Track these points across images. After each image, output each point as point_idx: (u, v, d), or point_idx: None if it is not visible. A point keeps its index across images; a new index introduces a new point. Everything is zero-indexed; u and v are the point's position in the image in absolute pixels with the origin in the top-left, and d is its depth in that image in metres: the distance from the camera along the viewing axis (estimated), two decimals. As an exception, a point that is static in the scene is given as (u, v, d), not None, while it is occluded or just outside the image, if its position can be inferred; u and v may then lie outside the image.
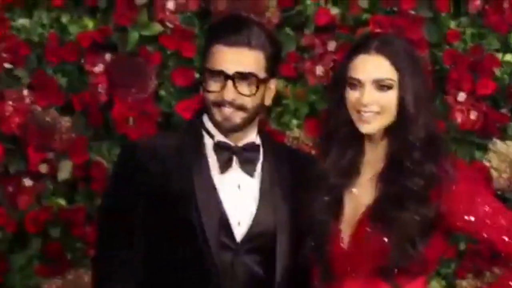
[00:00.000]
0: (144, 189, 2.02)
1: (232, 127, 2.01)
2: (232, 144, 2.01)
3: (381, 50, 1.91)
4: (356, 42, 2.13)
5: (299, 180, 2.05)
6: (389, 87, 1.90)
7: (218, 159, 2.01)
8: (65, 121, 2.82)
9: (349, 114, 1.92)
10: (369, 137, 1.96)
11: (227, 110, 1.99)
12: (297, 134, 2.89)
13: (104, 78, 2.85)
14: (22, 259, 2.90)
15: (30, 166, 2.87)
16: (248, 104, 1.99)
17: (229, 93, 1.96)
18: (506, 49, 2.91)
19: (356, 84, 1.90)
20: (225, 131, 2.02)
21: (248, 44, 1.99)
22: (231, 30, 2.03)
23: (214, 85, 1.98)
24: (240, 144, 2.02)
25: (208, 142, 2.04)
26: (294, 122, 2.94)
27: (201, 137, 2.07)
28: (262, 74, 1.97)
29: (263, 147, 2.07)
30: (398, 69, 1.90)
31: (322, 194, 1.99)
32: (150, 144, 2.19)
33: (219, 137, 2.01)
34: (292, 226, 2.04)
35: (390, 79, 1.89)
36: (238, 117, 2.00)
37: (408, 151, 1.92)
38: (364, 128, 1.91)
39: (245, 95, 1.98)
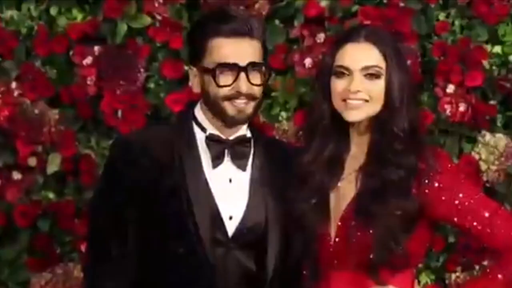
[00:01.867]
0: (136, 185, 2.00)
1: (245, 119, 2.01)
2: (223, 137, 2.06)
3: (370, 38, 1.93)
4: (344, 32, 2.20)
5: (288, 174, 2.04)
6: (377, 76, 1.91)
7: (210, 153, 2.01)
8: (54, 114, 2.79)
9: (333, 106, 1.94)
10: (354, 129, 1.97)
11: (241, 102, 1.99)
12: (286, 127, 2.88)
13: (93, 71, 2.85)
14: (11, 253, 2.89)
15: (19, 159, 2.85)
16: (258, 94, 2.00)
17: (244, 85, 1.97)
18: (494, 41, 2.91)
19: (344, 72, 1.91)
20: (228, 125, 2.01)
21: (250, 34, 2.00)
22: (229, 22, 2.01)
23: (225, 79, 1.97)
24: (232, 137, 2.02)
25: (199, 136, 2.04)
26: (283, 114, 2.94)
27: (192, 130, 2.05)
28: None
29: (253, 140, 2.06)
30: (386, 58, 1.91)
31: (309, 194, 1.99)
32: (140, 138, 2.15)
33: (212, 130, 2.03)
34: (282, 221, 2.04)
35: (379, 67, 1.91)
36: (250, 107, 2.00)
37: (391, 142, 1.93)
38: (351, 116, 1.92)
39: (257, 85, 1.99)
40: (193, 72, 2.05)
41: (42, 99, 2.85)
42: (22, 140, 2.81)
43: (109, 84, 2.94)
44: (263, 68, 1.96)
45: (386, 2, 2.96)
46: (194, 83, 2.05)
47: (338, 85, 1.94)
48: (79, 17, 2.96)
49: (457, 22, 2.99)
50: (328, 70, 1.96)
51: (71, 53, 2.93)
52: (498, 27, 3.00)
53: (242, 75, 1.93)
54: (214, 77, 1.94)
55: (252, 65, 1.94)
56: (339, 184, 1.97)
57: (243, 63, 1.93)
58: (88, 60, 2.90)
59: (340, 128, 1.97)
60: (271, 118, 2.97)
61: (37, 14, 2.93)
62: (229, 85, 1.94)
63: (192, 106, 2.07)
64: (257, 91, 1.97)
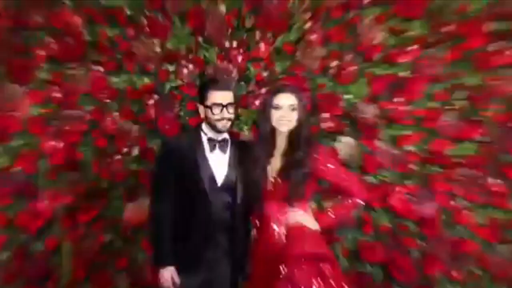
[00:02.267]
0: (173, 163, 3.35)
1: (226, 130, 3.33)
2: (215, 138, 3.35)
3: (291, 91, 3.29)
4: (276, 87, 3.55)
5: (246, 155, 3.41)
6: (294, 109, 3.25)
7: (209, 145, 3.38)
8: (135, 129, 4.43)
9: (271, 124, 3.26)
10: (281, 135, 3.29)
11: (225, 122, 3.33)
12: (247, 133, 4.45)
13: (154, 107, 4.42)
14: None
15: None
16: (232, 117, 3.32)
17: (225, 114, 3.29)
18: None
19: (279, 107, 3.24)
20: (217, 133, 3.31)
21: (228, 89, 3.38)
22: (218, 83, 3.45)
23: (217, 110, 3.29)
24: (219, 138, 3.36)
25: (204, 137, 3.37)
26: (245, 127, 4.49)
27: (200, 134, 3.39)
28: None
29: (230, 139, 3.42)
30: (297, 100, 3.24)
31: (257, 166, 3.34)
32: (175, 140, 3.67)
33: (210, 134, 3.35)
34: (244, 178, 3.40)
35: (295, 105, 3.24)
36: (228, 124, 3.34)
37: (298, 141, 3.29)
38: (283, 129, 3.26)
39: (231, 113, 3.31)
40: (200, 107, 3.40)
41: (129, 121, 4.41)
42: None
43: (162, 113, 4.43)
44: (234, 105, 3.35)
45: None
46: (201, 112, 3.37)
47: (275, 113, 3.26)
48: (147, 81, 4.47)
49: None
50: (269, 106, 3.30)
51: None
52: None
53: (224, 109, 3.29)
54: (211, 110, 3.31)
55: (230, 104, 3.30)
56: (271, 160, 3.34)
57: (225, 103, 3.30)
58: (151, 101, 4.41)
59: (272, 135, 3.32)
60: (240, 129, 4.46)
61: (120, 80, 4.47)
62: (218, 113, 3.29)
63: (200, 124, 3.44)
64: (232, 116, 3.32)
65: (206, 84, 3.55)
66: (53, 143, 4.41)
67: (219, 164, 3.47)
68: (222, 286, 3.52)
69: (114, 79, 4.47)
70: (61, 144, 4.41)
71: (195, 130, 3.54)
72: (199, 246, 3.42)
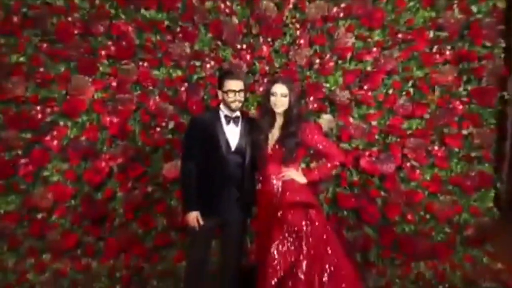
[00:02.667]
0: (198, 133, 3.82)
1: (238, 109, 3.82)
2: (230, 115, 3.83)
3: (283, 82, 3.81)
4: (272, 79, 4.21)
5: (253, 128, 3.86)
6: (286, 96, 3.77)
7: (225, 120, 3.85)
8: (170, 108, 4.93)
9: (270, 106, 3.78)
10: (278, 114, 3.80)
11: (237, 103, 3.80)
12: (253, 112, 4.86)
13: (185, 92, 4.93)
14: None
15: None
16: (242, 100, 3.82)
17: (238, 97, 3.78)
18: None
19: (275, 94, 3.77)
20: (232, 111, 3.77)
21: (239, 78, 3.85)
22: (232, 74, 3.90)
23: (231, 94, 3.76)
24: (233, 115, 3.85)
25: (221, 114, 3.85)
26: (252, 108, 4.97)
27: (218, 112, 3.87)
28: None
29: (241, 115, 3.89)
30: (289, 89, 3.78)
31: (262, 135, 3.82)
32: (200, 116, 4.11)
33: (226, 112, 3.84)
34: (251, 144, 3.87)
35: (286, 93, 3.77)
36: (240, 105, 3.82)
37: (291, 118, 3.78)
38: (277, 110, 3.78)
39: (242, 97, 3.81)
40: (219, 92, 3.85)
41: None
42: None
43: (193, 99, 4.92)
44: (244, 91, 3.82)
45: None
46: (219, 96, 3.84)
47: (272, 99, 3.76)
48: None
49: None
50: (268, 93, 3.81)
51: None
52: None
53: (237, 94, 3.78)
54: (227, 94, 3.78)
55: (241, 90, 3.79)
56: (272, 131, 3.82)
57: (237, 89, 3.79)
58: (183, 88, 4.89)
59: (273, 114, 3.80)
60: (248, 109, 4.93)
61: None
62: (232, 97, 3.78)
63: (218, 105, 3.91)
64: (242, 99, 3.82)
65: (223, 75, 3.94)
66: (110, 119, 5.06)
67: (233, 134, 3.88)
68: (234, 225, 3.95)
69: (156, 72, 5.05)
70: (116, 120, 5.04)
71: (215, 109, 3.97)
72: (218, 196, 3.84)
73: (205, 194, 3.77)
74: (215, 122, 3.83)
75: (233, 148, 3.83)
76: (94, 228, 5.01)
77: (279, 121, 3.84)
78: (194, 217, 3.77)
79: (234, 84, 3.79)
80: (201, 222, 3.78)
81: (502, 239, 5.46)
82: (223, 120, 3.85)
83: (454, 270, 5.02)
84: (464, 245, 5.21)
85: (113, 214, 5.02)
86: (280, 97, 3.74)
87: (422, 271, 4.99)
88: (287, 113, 3.79)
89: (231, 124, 3.85)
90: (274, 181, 3.80)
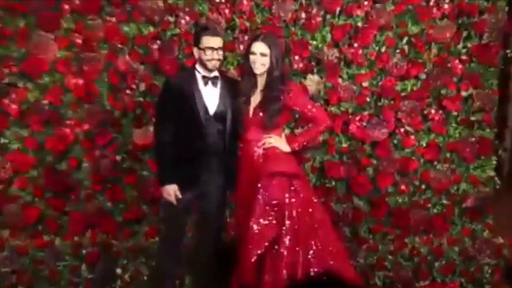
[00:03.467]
0: (173, 96, 3.68)
1: (215, 68, 3.71)
2: (208, 75, 3.74)
3: (263, 40, 3.67)
4: (252, 36, 3.91)
5: (233, 89, 3.79)
6: (266, 55, 3.66)
7: (203, 81, 3.74)
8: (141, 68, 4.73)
9: (250, 65, 3.69)
10: (259, 75, 3.72)
11: (214, 62, 3.71)
12: (233, 72, 4.71)
13: (157, 51, 4.69)
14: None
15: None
16: (221, 58, 3.72)
17: (215, 55, 3.67)
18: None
19: (254, 53, 3.66)
20: (209, 71, 3.67)
21: (218, 35, 3.73)
22: (210, 30, 3.75)
23: (208, 52, 3.66)
24: (211, 75, 3.75)
25: (198, 75, 3.74)
26: (231, 67, 4.80)
27: (195, 73, 3.77)
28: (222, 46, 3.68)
29: (219, 75, 3.81)
30: (269, 48, 3.65)
31: (242, 98, 3.74)
32: (175, 77, 4.01)
33: (203, 73, 3.74)
34: (232, 108, 3.77)
35: (266, 52, 3.65)
36: (217, 64, 3.72)
37: (273, 80, 3.69)
38: (257, 71, 3.70)
39: (220, 55, 3.70)
40: (195, 49, 3.73)
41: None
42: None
43: (164, 55, 4.69)
44: (222, 49, 3.72)
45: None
46: (195, 54, 3.71)
47: (251, 58, 3.67)
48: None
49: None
50: (247, 52, 3.70)
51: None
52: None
53: (214, 51, 3.67)
54: (204, 52, 3.67)
55: (219, 47, 3.68)
56: (253, 95, 3.76)
57: (216, 46, 3.68)
58: (155, 46, 4.66)
59: (254, 75, 3.72)
60: (227, 68, 4.74)
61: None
62: (209, 55, 3.67)
63: (194, 64, 3.78)
64: (220, 57, 3.72)
65: (199, 31, 3.83)
66: (75, 80, 4.82)
67: (211, 96, 3.78)
68: (214, 198, 3.87)
69: (125, 28, 4.83)
70: (82, 81, 4.82)
71: (191, 69, 3.83)
72: (196, 167, 3.73)
73: (182, 164, 3.68)
74: (191, 83, 3.73)
75: (212, 113, 3.73)
76: (57, 201, 4.84)
77: (260, 83, 3.75)
78: (171, 191, 3.70)
79: (212, 41, 3.68)
80: (179, 196, 3.71)
81: (504, 211, 5.48)
82: (200, 81, 3.75)
83: (452, 245, 4.98)
84: (462, 218, 5.14)
85: (79, 186, 4.85)
86: (260, 56, 3.64)
87: (417, 247, 4.94)
88: (268, 74, 3.69)
89: (209, 85, 3.75)
90: (255, 149, 3.74)
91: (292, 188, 3.62)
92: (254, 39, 3.72)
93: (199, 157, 3.69)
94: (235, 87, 3.80)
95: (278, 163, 3.66)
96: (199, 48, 3.69)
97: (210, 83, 3.75)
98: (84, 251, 4.70)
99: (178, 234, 3.84)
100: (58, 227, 4.83)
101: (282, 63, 3.77)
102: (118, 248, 4.71)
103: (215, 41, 3.70)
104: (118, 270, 4.72)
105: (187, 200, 3.75)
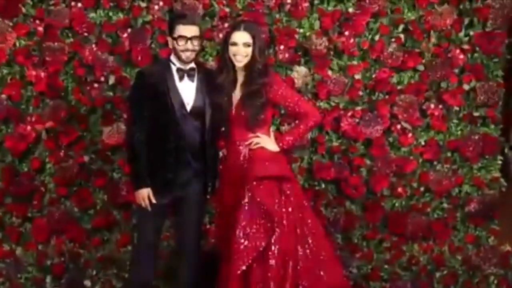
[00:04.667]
0: (146, 91, 3.52)
1: (190, 60, 3.49)
2: (184, 68, 3.51)
3: (245, 28, 3.46)
4: (233, 24, 3.79)
5: (212, 82, 3.57)
6: (249, 46, 3.45)
7: (178, 75, 3.53)
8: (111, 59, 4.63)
9: (230, 57, 3.47)
10: (239, 68, 3.50)
11: (189, 53, 3.49)
12: (212, 64, 4.51)
13: (128, 40, 4.62)
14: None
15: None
16: (196, 49, 3.50)
17: (190, 46, 3.46)
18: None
19: (235, 44, 3.44)
20: (184, 63, 3.48)
21: (194, 23, 3.54)
22: (185, 17, 3.61)
23: (182, 42, 3.46)
24: (187, 67, 3.52)
25: (173, 68, 3.51)
26: (210, 58, 4.69)
27: (170, 66, 3.55)
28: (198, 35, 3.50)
29: (196, 68, 3.58)
30: (252, 37, 3.44)
31: (222, 94, 3.54)
32: (148, 68, 3.85)
33: (179, 65, 3.51)
34: (211, 104, 3.56)
35: (249, 42, 3.44)
36: (193, 55, 3.50)
37: (255, 73, 3.47)
38: (238, 63, 3.48)
39: (195, 46, 3.48)
40: (169, 39, 3.54)
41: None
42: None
43: (135, 45, 4.56)
44: (198, 37, 3.53)
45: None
46: (170, 44, 3.53)
47: (232, 49, 3.46)
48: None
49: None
50: (227, 43, 3.49)
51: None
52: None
53: (189, 41, 3.45)
54: (177, 41, 3.47)
55: (194, 37, 3.47)
56: (235, 91, 3.55)
57: (190, 35, 3.47)
58: (125, 35, 4.55)
59: (233, 67, 3.51)
60: (205, 60, 4.64)
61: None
62: (183, 45, 3.46)
63: (169, 55, 3.60)
64: (196, 48, 3.50)
65: (174, 18, 3.72)
66: (36, 72, 4.71)
67: (188, 91, 3.62)
68: (192, 202, 3.72)
69: (92, 15, 4.70)
70: (44, 74, 4.71)
71: (165, 61, 3.70)
72: (172, 168, 3.60)
73: (156, 166, 3.55)
74: (165, 77, 3.54)
75: (188, 109, 3.56)
76: (18, 207, 4.70)
77: (241, 77, 3.59)
78: (145, 195, 3.54)
79: (187, 30, 3.50)
80: (153, 201, 3.55)
81: (511, 215, 5.37)
82: (175, 74, 3.56)
83: (454, 253, 4.85)
84: (465, 224, 5.03)
85: (42, 190, 4.73)
86: (242, 47, 3.46)
87: (416, 255, 4.81)
88: (248, 67, 3.53)
89: (185, 79, 3.56)
90: (241, 148, 3.58)
91: (282, 192, 3.53)
92: (234, 28, 3.57)
93: (175, 158, 3.57)
94: (214, 79, 3.62)
95: (266, 165, 3.53)
96: (173, 38, 3.53)
97: (186, 76, 3.59)
98: (49, 262, 4.53)
99: (152, 242, 3.72)
100: (20, 235, 4.73)
101: (265, 54, 3.66)
102: (87, 258, 4.58)
103: (190, 30, 3.53)
104: (87, 282, 4.47)
105: (162, 205, 3.61)
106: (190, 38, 3.50)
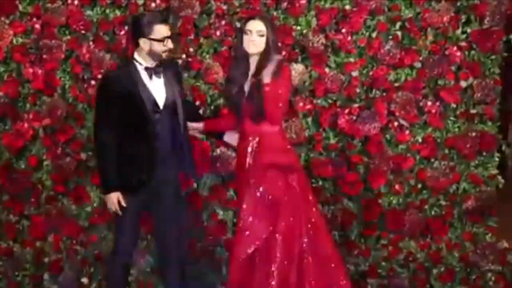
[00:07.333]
0: (114, 93, 3.53)
1: (166, 58, 3.57)
2: (151, 66, 3.56)
3: (260, 18, 3.57)
4: (248, 16, 3.83)
5: (176, 72, 3.74)
6: (262, 35, 3.53)
7: (147, 73, 3.58)
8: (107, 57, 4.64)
9: (244, 48, 3.54)
10: (252, 57, 3.55)
11: (168, 53, 3.57)
12: (209, 61, 4.64)
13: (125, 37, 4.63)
14: None
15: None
16: (171, 47, 3.60)
17: (170, 44, 3.55)
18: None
19: (249, 32, 3.51)
20: (157, 61, 3.54)
21: (169, 22, 3.69)
22: (164, 16, 3.73)
23: (164, 42, 3.51)
24: (153, 65, 3.57)
25: (140, 67, 3.55)
26: (207, 56, 4.69)
27: (136, 66, 3.58)
28: None
29: (161, 64, 3.59)
30: (266, 27, 3.52)
31: (235, 85, 3.63)
32: (114, 72, 3.94)
33: (146, 64, 3.56)
34: (180, 94, 3.65)
35: (263, 31, 3.52)
36: (169, 53, 3.61)
37: (266, 62, 3.55)
38: (251, 50, 3.54)
39: (171, 45, 3.56)
40: (143, 40, 3.51)
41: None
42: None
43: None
44: (176, 37, 3.86)
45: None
46: (144, 46, 3.52)
47: (246, 38, 3.53)
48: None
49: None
50: (242, 31, 3.58)
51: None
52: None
53: (168, 40, 3.54)
54: (158, 42, 3.50)
55: (171, 35, 3.56)
56: (246, 81, 3.59)
57: (169, 34, 3.55)
58: (122, 32, 4.57)
59: (247, 57, 3.58)
60: (202, 57, 4.68)
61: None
62: (162, 45, 3.51)
63: (132, 56, 3.63)
64: (171, 45, 3.57)
65: (151, 18, 3.64)
66: (33, 70, 4.73)
67: (158, 88, 3.64)
68: (169, 200, 3.73)
69: (89, 12, 4.70)
70: (41, 71, 4.72)
71: (130, 63, 3.70)
72: (146, 169, 3.61)
73: (130, 168, 3.55)
74: (133, 78, 3.56)
75: (161, 105, 3.59)
76: (15, 204, 4.69)
77: (252, 67, 3.61)
78: (114, 199, 3.55)
79: (167, 29, 3.58)
80: (123, 204, 3.55)
81: (508, 212, 5.40)
82: (143, 74, 3.58)
83: (451, 250, 4.86)
84: (463, 220, 5.00)
85: (39, 187, 4.71)
86: (256, 35, 3.50)
87: (413, 252, 4.81)
88: (262, 55, 3.55)
89: (154, 77, 3.59)
90: (250, 139, 3.60)
91: (287, 183, 3.56)
92: (250, 17, 3.64)
93: (148, 158, 3.57)
94: (176, 69, 3.79)
95: (273, 155, 3.58)
96: (151, 39, 3.51)
97: (154, 74, 3.61)
98: (46, 259, 4.58)
99: (129, 248, 3.73)
100: (17, 232, 4.73)
101: (277, 47, 3.72)
102: (84, 255, 4.60)
103: (168, 28, 3.61)
104: (84, 280, 4.56)
105: (136, 206, 3.63)
106: (169, 37, 3.56)
